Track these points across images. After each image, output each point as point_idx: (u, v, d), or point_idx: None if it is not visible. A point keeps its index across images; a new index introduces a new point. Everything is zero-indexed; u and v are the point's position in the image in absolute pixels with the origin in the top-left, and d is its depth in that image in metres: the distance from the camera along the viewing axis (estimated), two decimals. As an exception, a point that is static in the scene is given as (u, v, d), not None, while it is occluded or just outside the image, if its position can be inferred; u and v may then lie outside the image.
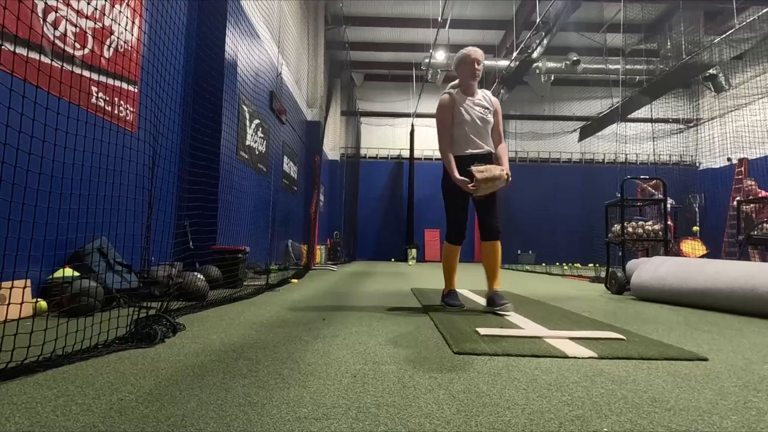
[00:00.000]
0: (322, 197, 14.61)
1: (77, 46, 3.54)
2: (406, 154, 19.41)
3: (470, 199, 3.41)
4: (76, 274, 3.19)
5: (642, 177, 7.04)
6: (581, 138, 16.56)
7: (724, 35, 10.63)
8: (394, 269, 11.04)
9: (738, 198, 9.21)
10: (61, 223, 2.92)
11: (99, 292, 2.93)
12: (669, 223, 7.07)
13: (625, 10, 11.53)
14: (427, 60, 15.39)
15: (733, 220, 10.44)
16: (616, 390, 1.54)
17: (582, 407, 1.36)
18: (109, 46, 3.97)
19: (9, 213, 2.15)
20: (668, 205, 10.05)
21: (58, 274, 3.17)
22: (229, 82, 6.13)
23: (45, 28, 3.22)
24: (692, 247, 10.18)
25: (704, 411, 1.34)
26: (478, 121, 3.37)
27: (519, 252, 18.67)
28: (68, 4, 3.46)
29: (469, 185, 3.20)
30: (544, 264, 16.09)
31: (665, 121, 15.18)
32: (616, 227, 6.15)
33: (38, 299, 2.87)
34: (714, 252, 11.36)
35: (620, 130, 14.60)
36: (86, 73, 3.62)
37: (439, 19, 12.96)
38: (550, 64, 15.22)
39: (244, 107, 7.22)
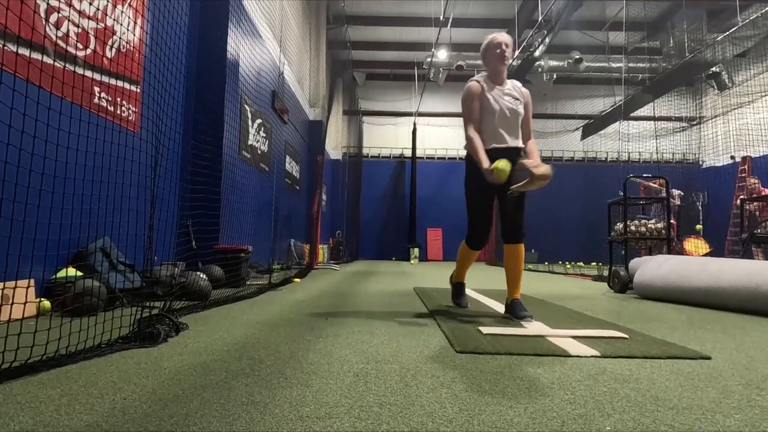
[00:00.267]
0: (324, 196, 14.62)
1: (79, 46, 3.54)
2: (408, 153, 19.40)
3: (496, 197, 3.13)
4: (79, 273, 3.20)
5: (645, 175, 7.02)
6: (584, 136, 16.52)
7: (727, 33, 10.59)
8: (397, 268, 11.04)
9: (741, 196, 9.19)
10: (64, 223, 2.93)
11: (102, 292, 2.94)
12: (672, 221, 7.05)
13: (627, 8, 11.50)
14: (429, 59, 15.37)
15: (736, 219, 10.41)
16: (619, 389, 1.54)
17: (585, 406, 1.36)
18: (111, 47, 3.98)
19: (12, 213, 2.16)
20: (676, 199, 10.03)
21: (62, 273, 3.18)
22: (231, 81, 6.13)
23: (47, 29, 3.23)
24: (695, 245, 10.15)
25: (707, 410, 1.34)
26: (507, 113, 3.06)
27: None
28: (70, 5, 3.46)
29: (521, 183, 2.83)
30: (546, 263, 16.06)
31: (668, 119, 15.14)
32: (619, 226, 6.14)
33: (41, 299, 2.88)
34: (717, 250, 11.32)
35: (623, 129, 14.56)
36: (89, 74, 3.63)
37: (441, 17, 12.94)
38: (553, 63, 15.19)
39: (246, 107, 7.22)
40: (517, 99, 3.13)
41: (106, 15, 3.90)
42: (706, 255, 9.66)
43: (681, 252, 9.58)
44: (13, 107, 1.96)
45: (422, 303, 3.83)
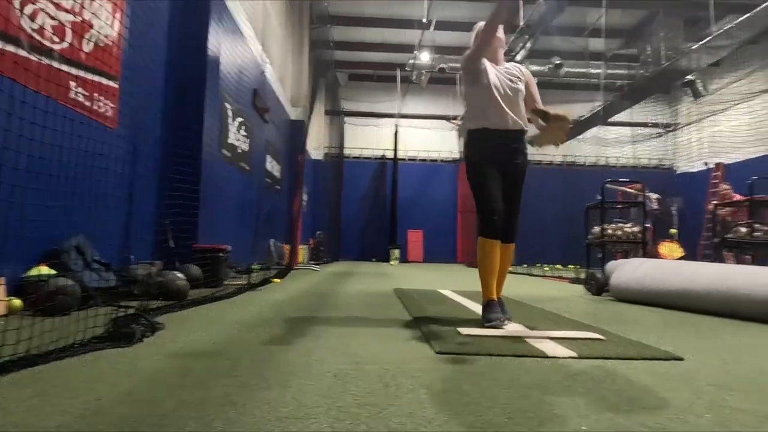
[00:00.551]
0: (305, 196, 14.55)
1: (56, 39, 3.46)
2: (390, 154, 19.43)
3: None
4: (53, 272, 3.13)
5: (621, 180, 7.15)
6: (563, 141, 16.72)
7: (702, 42, 10.85)
8: (377, 269, 11.04)
9: (714, 202, 9.41)
10: (38, 220, 2.86)
11: (76, 291, 2.87)
12: (648, 225, 7.20)
13: (607, 15, 11.70)
14: (412, 61, 15.42)
15: (709, 224, 10.67)
16: (595, 389, 1.56)
17: (561, 406, 1.37)
18: (89, 41, 3.90)
19: (-17, 209, 2.10)
20: (654, 203, 10.21)
21: (34, 271, 3.10)
22: (212, 79, 6.06)
23: (22, 21, 3.15)
24: (670, 249, 10.36)
25: (681, 410, 1.36)
26: (508, 90, 2.82)
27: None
28: (47, -3, 3.39)
29: (539, 133, 2.67)
30: (525, 265, 16.24)
31: (645, 125, 15.45)
32: (597, 229, 6.24)
33: (12, 297, 2.81)
34: (691, 254, 11.58)
35: (601, 134, 14.81)
36: (65, 68, 3.55)
37: (424, 20, 13.00)
38: (534, 67, 15.35)
39: (227, 105, 7.15)
40: (518, 77, 2.92)
41: (84, 8, 3.82)
42: (680, 259, 9.88)
43: (656, 255, 9.76)
44: (-15, 100, 1.91)
45: (402, 304, 3.84)
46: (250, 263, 6.88)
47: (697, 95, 13.24)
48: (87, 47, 3.86)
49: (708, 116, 12.99)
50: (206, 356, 1.89)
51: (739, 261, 7.84)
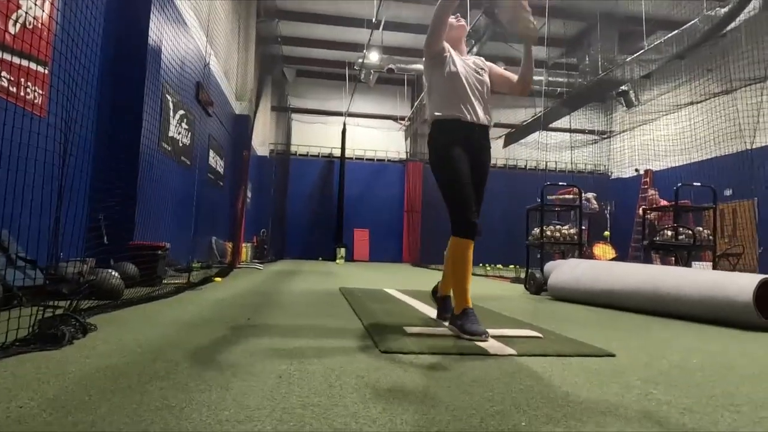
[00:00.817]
0: (249, 193, 14.23)
1: (-22, 18, 3.21)
2: (337, 152, 19.33)
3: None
4: (-30, 269, 2.90)
5: (560, 183, 7.45)
6: (506, 144, 17.26)
7: (635, 55, 11.49)
8: (323, 268, 10.96)
9: (644, 206, 9.99)
10: (-46, 213, 2.64)
11: (-3, 290, 2.67)
12: (584, 227, 7.54)
13: (549, 24, 12.14)
14: (361, 60, 15.41)
15: (639, 227, 11.31)
16: (533, 386, 1.61)
17: (502, 403, 1.41)
18: (16, 21, 3.64)
19: None
20: (592, 202, 10.67)
21: (-52, 269, 2.86)
22: (153, 69, 5.81)
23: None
24: (603, 250, 10.91)
25: (611, 404, 1.44)
26: (475, 81, 2.72)
27: (445, 253, 19.12)
28: (-32, -28, 3.13)
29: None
30: (468, 265, 16.59)
31: (582, 132, 16.17)
32: (536, 231, 6.47)
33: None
34: (622, 255, 12.24)
35: (542, 139, 15.37)
36: (-12, 50, 3.29)
37: (374, 20, 13.02)
38: (479, 72, 15.72)
39: (168, 96, 6.88)
40: (482, 68, 2.83)
41: (11, -13, 3.56)
42: (612, 259, 10.42)
43: (591, 256, 10.25)
44: None
45: (347, 303, 3.83)
46: (190, 261, 6.65)
47: (629, 105, 14.00)
48: (13, 29, 3.60)
49: (639, 125, 13.76)
50: (141, 358, 1.80)
51: (664, 262, 8.37)
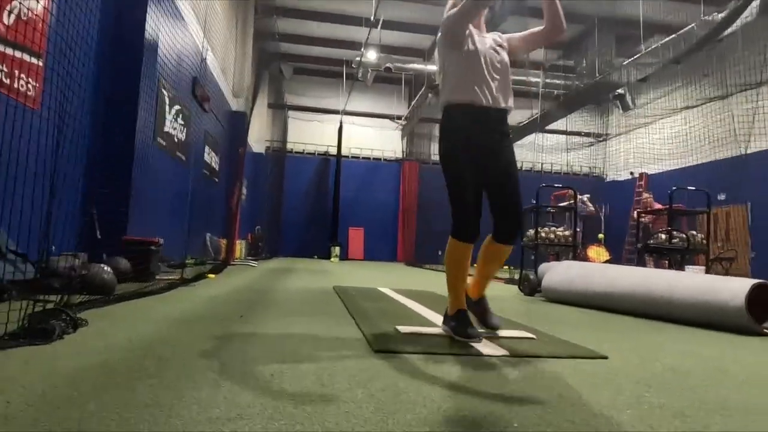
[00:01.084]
0: (244, 190, 14.19)
1: (-28, 9, 3.18)
2: (333, 150, 19.31)
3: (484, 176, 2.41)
4: (-40, 262, 2.87)
5: (556, 185, 7.46)
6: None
7: (632, 59, 11.53)
8: (317, 266, 10.94)
9: (638, 209, 10.02)
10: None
11: (-13, 283, 2.65)
12: (579, 230, 7.56)
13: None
14: (358, 59, 15.39)
15: (633, 229, 11.35)
16: (526, 387, 1.61)
17: (494, 404, 1.41)
18: (10, 12, 3.60)
19: None
20: (588, 204, 10.69)
21: (-62, 261, 2.83)
22: (149, 62, 5.77)
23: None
24: (597, 252, 10.94)
25: (603, 406, 1.43)
26: (495, 61, 2.42)
27: (440, 253, 19.14)
28: (-38, -38, 3.10)
29: None
30: (462, 265, 16.62)
31: (578, 134, 16.21)
32: (531, 232, 6.48)
33: None
34: (616, 258, 12.28)
35: (538, 140, 15.39)
36: (-19, 40, 3.26)
37: (372, 18, 13.00)
38: (476, 73, 15.72)
39: (164, 91, 6.84)
40: (501, 46, 2.53)
41: (6, -23, 3.53)
42: (606, 262, 10.45)
43: (585, 258, 10.28)
44: None
45: (341, 302, 3.82)
46: (183, 257, 6.61)
47: (625, 108, 14.04)
48: (7, 19, 3.56)
49: (635, 128, 13.80)
50: (132, 355, 1.79)
51: (657, 265, 8.40)
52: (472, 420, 1.26)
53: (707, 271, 6.33)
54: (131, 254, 4.64)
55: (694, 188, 6.59)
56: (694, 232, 6.49)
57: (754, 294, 3.14)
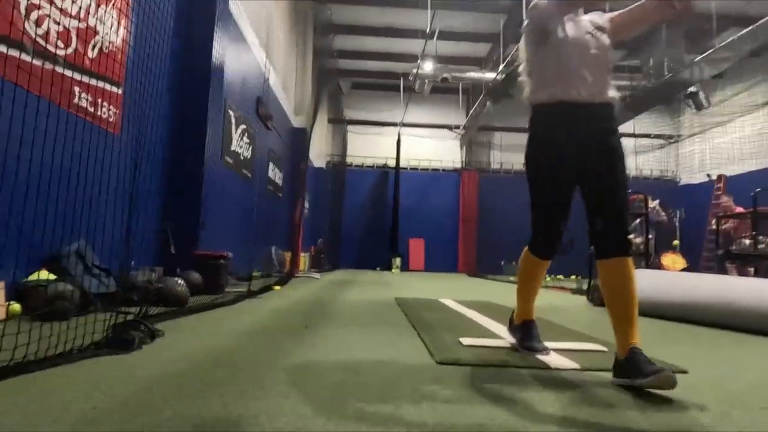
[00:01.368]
0: (306, 204, 14.55)
1: (60, 45, 3.48)
2: (391, 163, 19.45)
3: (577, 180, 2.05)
4: (53, 277, 3.12)
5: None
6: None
7: (704, 54, 10.88)
8: (378, 278, 11.00)
9: (717, 213, 9.38)
10: (39, 225, 2.85)
11: (75, 296, 2.86)
12: (651, 237, 7.17)
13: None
14: (414, 70, 15.47)
15: (711, 235, 10.64)
16: (598, 402, 1.54)
17: (564, 420, 1.35)
18: (94, 47, 3.91)
19: (-17, 213, 2.10)
20: (659, 210, 10.14)
21: (34, 276, 3.09)
22: (216, 85, 6.08)
23: (27, 26, 3.16)
24: (672, 260, 10.31)
25: (684, 425, 1.34)
26: (591, 48, 2.03)
27: (503, 263, 18.75)
28: (52, 2, 3.40)
29: None
30: (527, 275, 16.16)
31: (647, 136, 15.44)
32: (599, 240, 6.22)
33: (11, 302, 2.79)
34: (693, 266, 11.53)
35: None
36: (69, 73, 3.56)
37: (427, 30, 13.05)
38: (536, 78, 15.38)
39: (230, 112, 7.17)
40: (600, 27, 2.11)
41: (89, 14, 3.84)
42: (682, 270, 9.83)
43: (659, 267, 9.72)
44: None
45: (403, 313, 3.81)
46: (250, 270, 6.85)
47: (699, 107, 13.25)
48: (92, 53, 3.87)
49: (710, 128, 12.99)
50: (204, 364, 1.87)
51: (741, 273, 7.80)
52: (540, 436, 1.22)
53: (800, 279, 5.81)
54: (202, 268, 4.87)
55: (781, 189, 6.10)
56: (783, 237, 6.00)
57: None
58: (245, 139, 8.13)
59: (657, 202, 10.84)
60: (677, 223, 13.85)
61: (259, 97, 8.85)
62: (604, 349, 2.40)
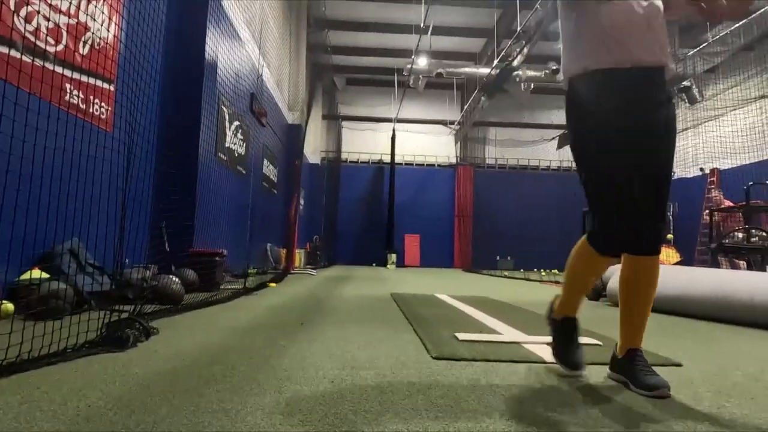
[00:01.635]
0: (302, 201, 14.53)
1: (50, 41, 3.45)
2: (386, 158, 19.44)
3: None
4: (46, 275, 3.10)
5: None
6: (560, 146, 16.79)
7: (698, 48, 10.91)
8: (374, 274, 11.01)
9: (709, 207, 9.43)
10: (30, 223, 2.83)
11: (69, 295, 2.84)
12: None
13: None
14: (409, 66, 15.45)
15: (704, 229, 10.70)
16: (592, 396, 1.54)
17: (560, 413, 1.36)
18: (85, 43, 3.88)
19: (-25, 211, 2.08)
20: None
21: (27, 275, 3.07)
22: (209, 82, 6.05)
23: (16, 22, 3.13)
24: (666, 254, 10.35)
25: (679, 416, 1.35)
26: (641, 6, 1.69)
27: (498, 258, 18.81)
28: (42, -1, 3.37)
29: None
30: (522, 270, 16.24)
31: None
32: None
33: (4, 301, 2.77)
34: (687, 259, 11.60)
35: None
36: (59, 70, 3.53)
37: (422, 25, 13.03)
38: (531, 73, 15.42)
39: (224, 108, 7.13)
40: None
41: (80, 11, 3.81)
42: (676, 264, 9.89)
43: (652, 261, 9.74)
44: (-23, 101, 1.89)
45: (399, 309, 3.82)
46: (246, 267, 6.84)
47: (692, 101, 13.30)
48: (83, 50, 3.84)
49: (703, 122, 13.04)
50: (200, 361, 1.86)
51: (733, 266, 7.86)
52: (536, 429, 1.22)
53: (792, 272, 5.85)
54: (197, 265, 4.85)
55: (773, 182, 6.14)
56: (776, 230, 6.04)
57: None
58: (239, 135, 8.10)
59: None
60: (671, 217, 13.91)
61: (253, 94, 8.81)
62: (599, 343, 2.41)
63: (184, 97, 5.66)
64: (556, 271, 15.08)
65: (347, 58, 18.13)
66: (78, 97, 3.77)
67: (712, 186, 12.59)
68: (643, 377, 1.60)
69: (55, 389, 1.45)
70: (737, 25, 9.78)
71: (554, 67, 15.10)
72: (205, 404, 1.35)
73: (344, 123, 19.72)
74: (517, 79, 15.44)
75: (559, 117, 17.59)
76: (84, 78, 3.84)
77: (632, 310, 1.76)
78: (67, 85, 3.64)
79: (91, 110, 3.95)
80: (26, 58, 3.12)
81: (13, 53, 3.07)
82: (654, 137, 1.68)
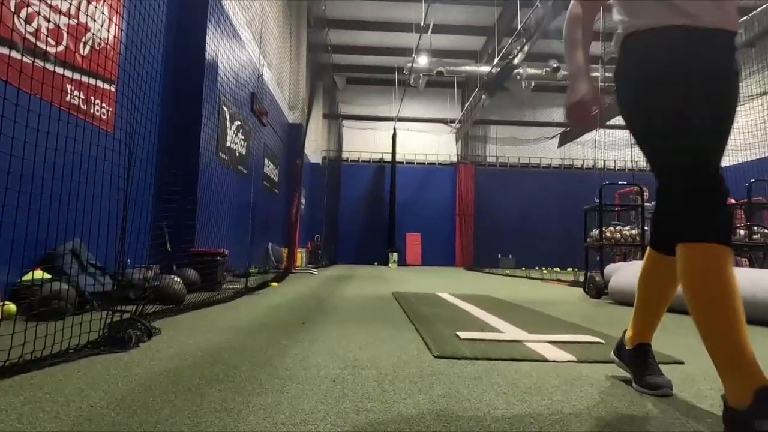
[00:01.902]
0: (303, 200, 14.53)
1: (51, 42, 3.45)
2: (387, 157, 19.44)
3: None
4: (48, 276, 3.10)
5: (620, 183, 7.14)
6: (561, 144, 16.78)
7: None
8: (375, 273, 11.01)
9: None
10: (32, 224, 2.84)
11: (71, 295, 2.84)
12: (647, 228, 7.19)
13: (604, 18, 11.75)
14: (409, 64, 15.44)
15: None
16: (595, 394, 1.54)
17: (562, 411, 1.36)
18: (85, 44, 3.88)
19: (-24, 213, 2.08)
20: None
21: (28, 276, 3.08)
22: (210, 82, 6.05)
23: (17, 23, 3.13)
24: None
25: (681, 414, 1.35)
26: None
27: (499, 256, 18.80)
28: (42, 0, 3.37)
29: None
30: (523, 268, 16.23)
31: (642, 128, 15.44)
32: (595, 232, 6.23)
33: (6, 302, 2.78)
34: (689, 257, 11.55)
35: (599, 137, 14.84)
36: (60, 70, 3.53)
37: (422, 24, 13.02)
38: (531, 71, 15.40)
39: (225, 108, 7.13)
40: None
41: (80, 11, 3.81)
42: (678, 261, 9.85)
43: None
44: (-22, 103, 1.89)
45: (400, 307, 3.82)
46: (247, 267, 6.85)
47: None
48: (83, 50, 3.84)
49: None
50: (202, 361, 1.86)
51: (735, 264, 7.84)
52: (539, 428, 1.22)
53: (794, 269, 5.84)
54: (199, 265, 4.86)
55: (775, 179, 6.12)
56: (778, 227, 6.02)
57: None
58: (240, 135, 8.10)
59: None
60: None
61: (254, 93, 8.81)
62: (601, 341, 2.41)
63: (184, 97, 5.66)
64: (557, 269, 15.07)
65: (347, 57, 18.12)
66: (78, 97, 3.78)
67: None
68: (648, 377, 1.57)
69: (57, 390, 1.45)
70: (739, 20, 9.76)
71: (555, 65, 15.07)
72: (208, 404, 1.35)
73: (345, 122, 19.72)
74: (518, 77, 15.42)
75: (560, 115, 17.56)
76: (84, 78, 3.84)
77: (662, 307, 1.70)
78: (68, 86, 3.65)
79: (91, 111, 3.95)
80: (27, 59, 3.12)
81: (14, 54, 3.07)
82: (724, 110, 1.41)
